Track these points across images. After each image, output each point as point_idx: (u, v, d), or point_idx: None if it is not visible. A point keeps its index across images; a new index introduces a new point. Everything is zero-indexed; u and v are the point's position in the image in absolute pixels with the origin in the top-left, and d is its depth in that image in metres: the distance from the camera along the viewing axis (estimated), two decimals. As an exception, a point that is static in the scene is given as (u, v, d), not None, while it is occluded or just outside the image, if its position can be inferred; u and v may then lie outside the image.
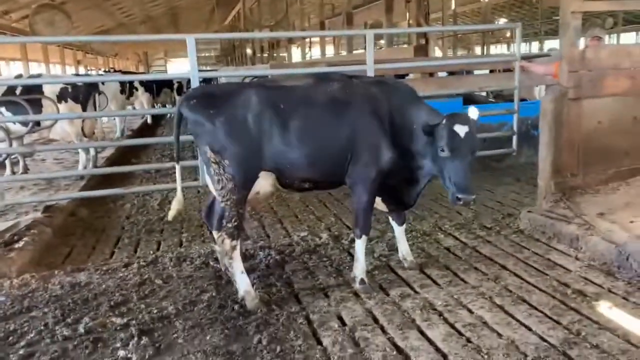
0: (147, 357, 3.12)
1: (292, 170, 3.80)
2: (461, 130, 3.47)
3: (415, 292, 3.88)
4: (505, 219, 5.46)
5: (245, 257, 4.63)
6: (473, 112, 3.66)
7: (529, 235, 4.95)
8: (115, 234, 5.73)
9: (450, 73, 10.57)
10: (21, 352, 3.22)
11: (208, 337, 3.32)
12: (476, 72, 10.84)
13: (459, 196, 3.48)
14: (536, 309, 3.53)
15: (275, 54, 26.86)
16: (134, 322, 3.54)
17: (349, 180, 3.85)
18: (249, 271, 4.33)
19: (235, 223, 3.72)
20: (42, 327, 3.52)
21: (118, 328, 3.49)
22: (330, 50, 22.42)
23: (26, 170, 8.28)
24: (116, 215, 6.47)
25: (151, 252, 4.98)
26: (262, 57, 28.00)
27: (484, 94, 10.48)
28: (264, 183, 3.85)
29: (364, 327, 3.37)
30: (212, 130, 3.64)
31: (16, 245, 4.81)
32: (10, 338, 3.40)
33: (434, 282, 4.04)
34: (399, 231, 4.37)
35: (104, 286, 4.18)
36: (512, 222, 5.32)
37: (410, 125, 3.77)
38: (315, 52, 28.21)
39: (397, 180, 3.95)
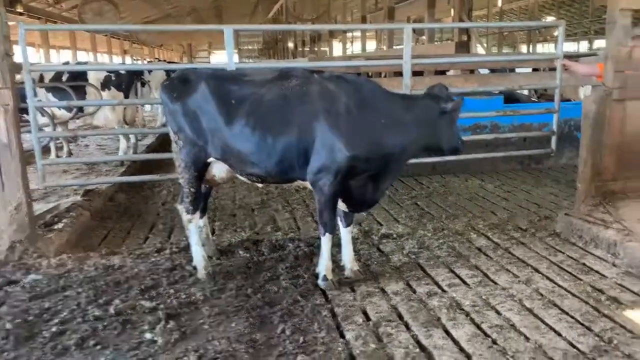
0: (172, 340, 3.18)
1: (239, 163, 3.89)
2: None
3: (443, 290, 3.83)
4: (541, 221, 5.32)
5: (274, 247, 4.70)
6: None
7: (564, 238, 4.82)
8: (150, 219, 5.86)
9: (493, 71, 10.36)
10: (53, 329, 3.33)
11: (233, 325, 3.37)
12: (519, 70, 10.59)
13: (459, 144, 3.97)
14: (567, 314, 3.43)
15: (316, 48, 26.87)
16: (162, 306, 3.62)
17: (309, 177, 3.78)
18: (278, 261, 4.38)
19: (189, 199, 4.07)
20: (74, 307, 3.63)
21: (147, 311, 3.57)
22: (371, 46, 22.27)
23: (70, 154, 8.56)
24: (152, 201, 6.61)
25: (184, 238, 5.06)
26: (304, 51, 28.07)
27: (526, 92, 10.22)
28: (219, 168, 4.07)
29: (388, 323, 3.35)
30: (172, 112, 3.98)
31: (55, 227, 4.97)
32: (45, 315, 3.52)
33: (463, 281, 3.98)
34: (345, 233, 4.13)
35: (136, 270, 4.28)
36: (548, 225, 5.19)
37: (378, 119, 3.72)
38: (356, 47, 28.05)
39: (362, 179, 3.83)
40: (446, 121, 3.84)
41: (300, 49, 28.64)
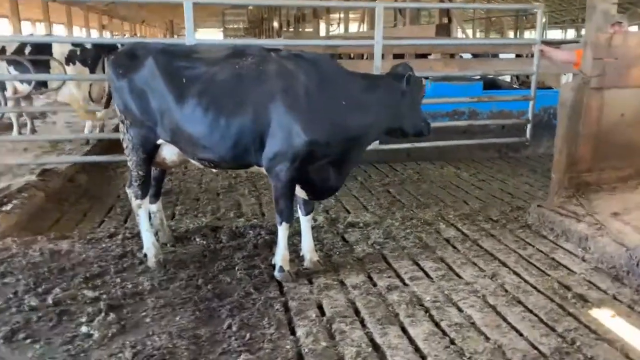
0: (109, 334, 2.97)
1: (190, 146, 3.64)
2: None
3: (405, 284, 3.65)
4: (513, 212, 5.16)
5: (234, 235, 4.48)
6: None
7: (535, 231, 4.66)
8: (109, 202, 5.60)
9: (475, 56, 10.15)
10: (-17, 320, 3.10)
11: (177, 318, 3.16)
12: (502, 56, 10.39)
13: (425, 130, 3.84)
14: (531, 312, 3.28)
15: (301, 29, 26.40)
16: (105, 296, 3.40)
17: (264, 163, 3.56)
18: (236, 250, 4.17)
19: (138, 183, 3.85)
20: (11, 295, 3.40)
21: (88, 301, 3.35)
22: (354, 28, 21.90)
23: (33, 131, 8.21)
24: (115, 182, 6.34)
25: (140, 223, 4.83)
26: (289, 31, 27.57)
27: (507, 79, 10.04)
28: (170, 150, 3.83)
29: (342, 319, 3.16)
30: (118, 90, 3.72)
31: (3, 208, 4.70)
32: (-23, 304, 3.29)
33: (427, 275, 3.80)
34: (304, 222, 3.90)
35: (84, 256, 4.04)
36: (520, 216, 5.03)
37: (339, 101, 3.52)
38: (343, 29, 27.62)
39: (321, 165, 3.59)
40: (409, 102, 3.66)
41: (285, 28, 28.14)
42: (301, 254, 3.95)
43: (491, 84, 8.42)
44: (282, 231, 3.70)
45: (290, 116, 3.41)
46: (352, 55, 11.59)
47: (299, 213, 3.93)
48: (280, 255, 3.72)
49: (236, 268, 3.83)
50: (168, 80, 3.57)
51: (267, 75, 3.50)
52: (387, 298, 3.44)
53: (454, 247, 4.32)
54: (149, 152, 3.80)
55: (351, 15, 24.10)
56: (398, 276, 3.77)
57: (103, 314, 3.16)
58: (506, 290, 3.56)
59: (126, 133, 3.79)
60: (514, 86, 10.28)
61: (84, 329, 3.02)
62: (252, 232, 4.52)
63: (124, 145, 3.87)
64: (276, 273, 3.70)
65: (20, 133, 8.01)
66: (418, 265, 3.96)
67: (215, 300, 3.37)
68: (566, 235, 4.43)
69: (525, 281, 3.70)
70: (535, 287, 3.60)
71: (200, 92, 3.51)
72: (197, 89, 3.52)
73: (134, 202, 3.96)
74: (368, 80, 3.72)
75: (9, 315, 3.17)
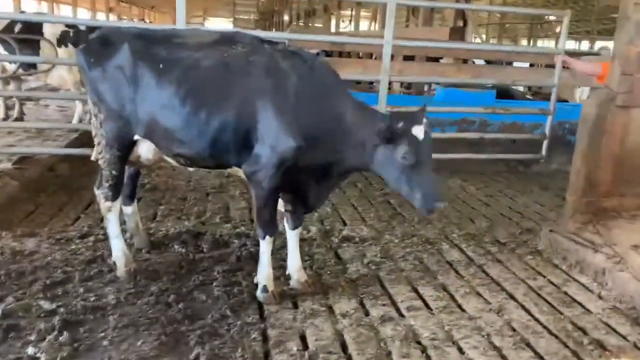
0: (58, 359, 2.58)
1: (165, 141, 3.29)
2: (420, 132, 2.99)
3: (401, 315, 3.26)
4: (522, 235, 4.77)
5: (217, 243, 4.10)
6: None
7: (547, 258, 4.26)
8: (89, 196, 5.17)
9: (488, 63, 9.74)
10: None
11: (139, 343, 2.77)
12: (516, 64, 9.98)
13: (436, 205, 3.04)
14: (542, 358, 2.88)
15: (311, 23, 25.98)
16: (62, 309, 3.02)
17: (245, 168, 3.19)
18: (217, 262, 3.79)
19: (109, 183, 3.47)
20: (-45, 302, 3.02)
21: (42, 315, 2.97)
22: (365, 26, 21.49)
23: (21, 115, 7.82)
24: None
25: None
26: (298, 25, 27.17)
27: (521, 88, 9.63)
28: (145, 147, 3.44)
29: (327, 356, 2.78)
30: (90, 80, 3.36)
31: (-30, 198, 4.33)
32: None
33: (426, 304, 3.41)
34: (292, 236, 3.49)
35: (49, 259, 3.67)
36: (530, 240, 4.63)
37: (330, 112, 3.13)
38: (353, 27, 27.19)
39: (306, 176, 3.22)
40: (396, 158, 3.02)
41: (295, 22, 27.73)
42: (287, 272, 3.55)
43: (503, 93, 8.02)
44: (266, 245, 3.31)
45: (278, 119, 3.03)
46: (360, 54, 11.20)
47: (286, 226, 3.52)
48: (264, 273, 3.33)
49: (214, 284, 3.45)
50: (144, 67, 3.20)
51: (257, 69, 3.12)
52: (379, 331, 3.05)
53: (457, 272, 3.93)
54: (124, 148, 3.40)
55: (363, 13, 23.64)
56: (394, 304, 3.38)
57: (56, 332, 2.78)
58: (514, 329, 3.17)
59: (99, 128, 3.39)
60: (527, 96, 9.88)
61: (30, 350, 2.65)
62: (237, 241, 4.13)
63: (96, 141, 3.47)
64: (258, 293, 3.31)
65: (7, 116, 7.64)
66: (417, 292, 3.57)
67: (185, 323, 2.98)
68: (581, 266, 4.03)
69: (535, 319, 3.30)
70: (546, 328, 3.21)
71: (178, 80, 3.14)
72: (176, 76, 3.15)
73: (104, 205, 3.55)
74: (360, 107, 3.22)
75: (-52, 328, 2.79)
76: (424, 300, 3.46)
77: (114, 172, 3.44)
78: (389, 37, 5.11)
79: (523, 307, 3.45)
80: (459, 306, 3.42)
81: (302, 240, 4.22)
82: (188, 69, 3.16)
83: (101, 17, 30.03)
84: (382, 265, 3.92)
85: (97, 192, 3.64)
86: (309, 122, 3.08)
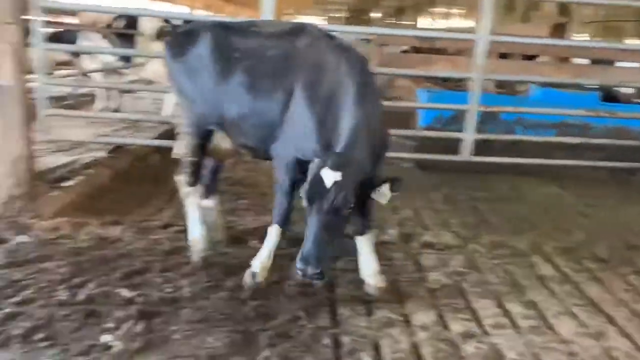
0: (130, 349, 2.60)
1: (231, 130, 3.36)
2: (329, 177, 2.66)
3: (485, 332, 3.00)
4: (626, 251, 4.30)
5: (295, 241, 3.96)
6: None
7: (656, 280, 3.81)
8: (174, 187, 5.31)
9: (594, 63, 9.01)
10: (8, 309, 2.85)
11: (210, 339, 2.73)
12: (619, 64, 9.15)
13: (297, 265, 2.70)
14: (648, 396, 2.54)
15: (400, 21, 25.57)
16: (140, 299, 3.06)
17: (272, 152, 3.19)
18: (293, 260, 3.67)
19: (188, 170, 3.56)
20: (44, 284, 3.15)
21: (121, 303, 3.02)
22: (457, 24, 20.81)
23: (118, 107, 8.21)
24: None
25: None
26: (386, 23, 26.82)
27: (630, 91, 8.81)
28: (221, 137, 3.48)
29: (402, 370, 2.60)
30: (174, 71, 3.47)
31: (64, 184, 4.54)
32: (9, 290, 3.06)
33: (513, 322, 3.13)
34: (359, 242, 3.29)
35: (131, 247, 3.75)
36: (635, 258, 4.16)
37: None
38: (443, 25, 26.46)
39: None
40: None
41: (385, 20, 27.42)
42: (361, 276, 3.38)
43: (605, 95, 7.36)
44: (272, 233, 3.25)
45: (306, 115, 3.01)
46: (450, 52, 10.80)
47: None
48: (259, 260, 3.25)
49: (289, 283, 3.36)
50: (219, 56, 3.26)
51: (304, 61, 3.09)
52: (460, 348, 2.82)
53: (550, 289, 3.59)
54: (203, 137, 3.48)
55: (456, 11, 22.89)
56: (477, 320, 3.13)
57: (132, 322, 2.81)
58: (613, 359, 2.82)
59: (182, 117, 3.49)
60: (636, 101, 9.04)
61: (106, 337, 2.68)
62: (313, 240, 4.03)
63: (179, 130, 3.59)
64: (246, 276, 3.22)
65: (105, 107, 8.05)
66: (503, 308, 3.29)
67: (257, 322, 2.91)
68: (697, 292, 3.56)
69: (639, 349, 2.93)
70: (653, 360, 2.84)
71: (245, 69, 3.21)
72: (243, 65, 3.21)
73: (183, 190, 3.65)
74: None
75: (35, 308, 2.89)
76: (511, 318, 3.17)
77: (192, 159, 3.53)
78: (485, 32, 4.80)
79: (625, 334, 3.08)
80: (551, 327, 3.10)
81: (380, 243, 4.07)
82: (254, 58, 3.20)
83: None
84: (466, 276, 3.67)
85: (177, 178, 3.71)
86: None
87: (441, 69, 6.91)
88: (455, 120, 6.43)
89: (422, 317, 3.11)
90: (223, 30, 3.35)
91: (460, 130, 5.88)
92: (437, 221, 4.79)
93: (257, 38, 3.29)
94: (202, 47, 3.30)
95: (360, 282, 3.37)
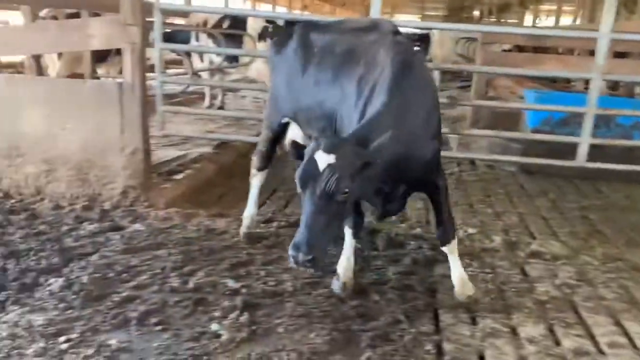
0: (237, 339, 2.68)
1: (303, 120, 3.47)
2: (321, 160, 2.50)
3: (600, 351, 2.80)
4: None
5: (391, 243, 3.98)
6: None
7: None
8: (274, 184, 5.45)
9: None
10: (125, 293, 3.05)
11: (312, 335, 2.76)
12: None
13: (289, 251, 2.52)
14: None
15: (503, 19, 24.56)
16: (244, 290, 3.16)
17: None
18: (390, 262, 3.67)
19: (257, 157, 3.95)
20: (158, 270, 3.34)
21: (227, 293, 3.13)
22: (567, 21, 19.59)
23: (223, 104, 8.57)
24: (283, 163, 6.22)
25: (297, 211, 4.56)
26: (489, 21, 25.87)
27: None
28: (297, 132, 3.64)
29: (509, 384, 2.49)
30: (272, 67, 3.77)
31: (175, 177, 4.80)
32: (125, 275, 3.27)
33: (632, 343, 2.89)
34: (445, 251, 3.22)
35: (236, 239, 3.90)
36: None
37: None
38: (550, 23, 25.09)
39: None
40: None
41: (486, 18, 26.47)
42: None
43: None
44: (346, 236, 3.29)
45: (352, 109, 2.96)
46: (560, 51, 10.24)
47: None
48: (341, 264, 3.26)
49: (388, 284, 3.34)
50: (302, 52, 3.45)
51: (363, 56, 3.07)
52: (572, 366, 2.65)
53: (675, 309, 3.28)
54: (275, 130, 3.75)
55: (565, 7, 21.59)
56: (591, 337, 2.92)
57: (237, 312, 2.90)
58: None
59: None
60: None
61: (214, 326, 2.79)
62: (413, 243, 3.98)
63: None
64: (333, 281, 3.23)
65: (211, 104, 8.43)
66: (620, 326, 3.05)
67: (357, 322, 2.91)
68: None
69: None
70: None
71: (316, 63, 3.33)
72: (316, 60, 3.34)
73: (251, 172, 4.04)
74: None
75: (150, 293, 3.08)
76: (629, 338, 2.93)
77: (262, 149, 3.91)
78: (607, 29, 4.47)
79: None
80: (676, 351, 2.84)
81: (483, 250, 3.94)
82: (325, 53, 3.31)
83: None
84: (577, 290, 3.44)
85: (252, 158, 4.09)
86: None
87: (551, 68, 6.55)
88: (566, 123, 6.08)
89: (530, 329, 2.95)
90: (309, 28, 3.56)
91: (571, 134, 5.56)
92: (544, 230, 4.54)
93: (334, 35, 3.41)
94: (292, 44, 3.52)
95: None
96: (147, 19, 4.49)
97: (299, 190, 2.59)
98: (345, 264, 3.23)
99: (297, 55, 3.47)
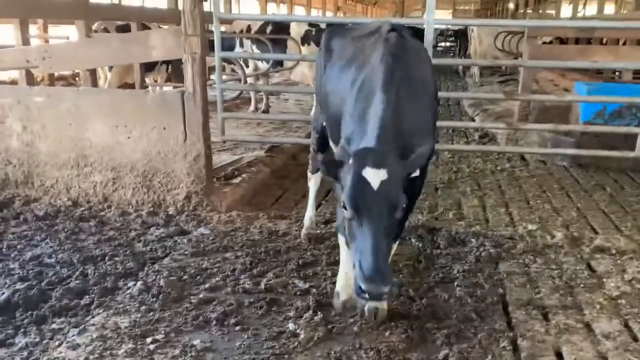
0: (315, 338, 2.75)
1: (327, 122, 3.42)
2: (374, 177, 2.27)
3: (681, 346, 2.77)
4: None
5: (453, 241, 4.00)
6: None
7: None
8: (327, 184, 5.49)
9: None
10: (201, 295, 3.16)
11: (387, 334, 2.81)
12: None
13: (362, 286, 2.22)
14: None
15: (540, 10, 24.04)
16: (314, 290, 3.23)
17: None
18: (455, 260, 3.69)
19: (310, 159, 4.05)
20: (229, 272, 3.44)
21: (298, 293, 3.21)
22: (610, 10, 19.01)
23: (268, 108, 8.70)
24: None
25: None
26: (525, 13, 25.36)
27: None
28: None
29: (591, 380, 2.49)
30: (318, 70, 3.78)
31: (233, 181, 4.92)
32: (199, 277, 3.39)
33: None
34: None
35: (298, 240, 3.98)
36: None
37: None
38: (590, 12, 24.43)
39: None
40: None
41: (522, 10, 25.95)
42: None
43: None
44: (342, 245, 3.06)
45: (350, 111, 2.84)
46: (604, 41, 10.00)
47: None
48: (338, 278, 3.11)
49: (455, 283, 3.36)
50: (325, 54, 3.54)
51: (366, 58, 3.01)
52: (654, 362, 2.63)
53: None
54: (319, 130, 3.73)
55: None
56: (669, 332, 2.89)
57: (311, 312, 2.97)
58: None
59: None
60: None
61: (290, 325, 2.87)
62: (475, 241, 3.97)
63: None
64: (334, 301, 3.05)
65: (256, 109, 8.57)
66: (699, 321, 3.00)
67: (431, 321, 2.94)
68: None
69: None
70: None
71: (330, 66, 3.39)
72: (331, 65, 3.38)
73: (308, 174, 4.13)
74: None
75: (224, 295, 3.18)
76: None
77: (313, 149, 3.95)
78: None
79: None
80: None
81: (547, 246, 3.92)
82: (338, 56, 3.34)
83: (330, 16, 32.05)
84: (648, 284, 3.40)
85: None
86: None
87: (601, 59, 6.44)
88: (619, 114, 5.97)
89: (605, 325, 2.93)
90: (332, 33, 3.67)
91: (625, 125, 5.47)
92: (605, 224, 4.48)
93: (346, 39, 3.44)
94: (323, 50, 3.63)
95: (529, 286, 3.28)
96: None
97: (349, 215, 2.34)
98: (344, 281, 2.99)
99: (321, 60, 3.60)
